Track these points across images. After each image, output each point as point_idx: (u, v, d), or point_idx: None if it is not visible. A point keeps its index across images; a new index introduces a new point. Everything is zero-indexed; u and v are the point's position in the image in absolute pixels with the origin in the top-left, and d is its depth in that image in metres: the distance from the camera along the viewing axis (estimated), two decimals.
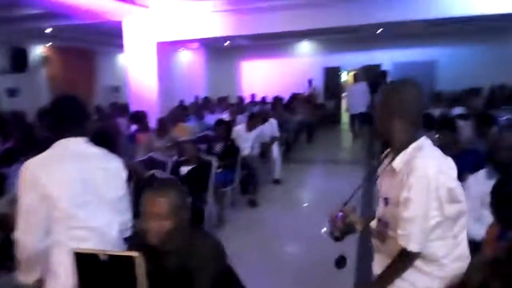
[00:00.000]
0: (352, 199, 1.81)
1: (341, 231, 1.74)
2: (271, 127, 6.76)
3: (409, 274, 1.58)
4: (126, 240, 1.91)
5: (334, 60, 13.89)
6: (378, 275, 1.68)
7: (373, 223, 1.75)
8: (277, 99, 10.02)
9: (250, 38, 12.34)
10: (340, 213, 1.75)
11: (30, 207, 1.69)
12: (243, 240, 4.11)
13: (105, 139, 2.95)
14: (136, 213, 1.77)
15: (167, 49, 8.62)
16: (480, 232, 2.06)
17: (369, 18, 7.35)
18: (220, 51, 14.83)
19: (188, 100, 12.10)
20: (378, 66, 12.22)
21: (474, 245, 1.73)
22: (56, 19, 7.79)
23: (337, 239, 1.75)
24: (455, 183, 1.54)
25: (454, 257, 1.57)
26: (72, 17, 7.49)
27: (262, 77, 14.32)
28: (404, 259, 1.56)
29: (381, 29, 11.06)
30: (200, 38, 9.76)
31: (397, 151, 1.60)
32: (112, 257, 1.34)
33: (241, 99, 10.18)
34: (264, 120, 6.65)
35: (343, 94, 13.42)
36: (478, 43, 12.30)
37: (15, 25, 8.25)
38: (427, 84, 10.17)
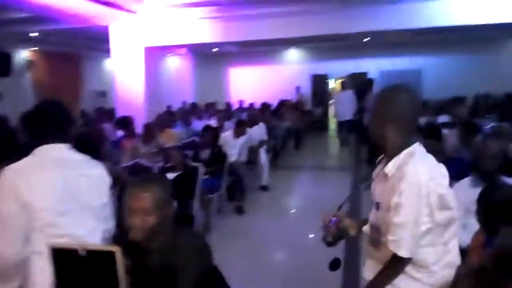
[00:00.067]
0: (345, 204, 1.80)
1: (334, 236, 1.73)
2: (259, 130, 6.77)
3: (399, 280, 1.58)
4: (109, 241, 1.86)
5: (322, 67, 14.01)
6: (369, 281, 1.66)
7: (366, 228, 1.73)
8: (265, 106, 10.04)
9: (238, 45, 12.38)
10: (334, 218, 1.74)
11: (8, 216, 1.63)
12: (229, 247, 4.07)
13: (88, 145, 2.90)
14: (119, 222, 1.74)
15: (154, 54, 8.58)
16: (465, 239, 2.07)
17: (355, 27, 7.46)
18: (208, 57, 14.83)
19: (176, 106, 12.04)
20: (364, 74, 12.35)
21: (460, 252, 1.73)
22: (43, 23, 7.70)
23: (329, 244, 1.74)
24: (446, 190, 1.54)
25: (444, 264, 1.57)
26: (58, 21, 7.40)
27: (250, 84, 14.36)
28: (395, 265, 1.56)
29: (368, 38, 11.22)
30: (188, 44, 9.75)
31: (390, 157, 1.61)
32: (91, 252, 1.28)
33: (228, 105, 10.17)
34: (253, 124, 6.65)
35: (331, 101, 13.52)
36: (463, 52, 12.55)
37: (0, 29, 8.12)
38: None
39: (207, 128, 5.62)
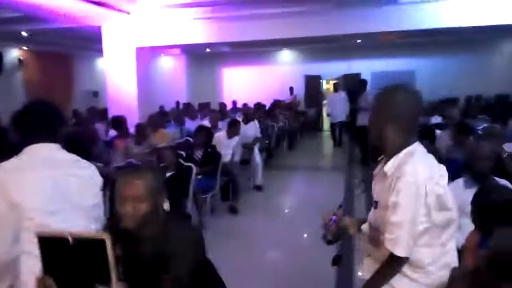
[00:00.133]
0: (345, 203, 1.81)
1: (334, 235, 1.73)
2: (254, 128, 6.77)
3: (395, 280, 1.57)
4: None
5: (315, 68, 14.06)
6: (367, 280, 1.66)
7: (364, 227, 1.73)
8: (259, 106, 10.03)
9: (231, 46, 12.37)
10: (334, 217, 1.74)
11: None
12: (223, 247, 4.03)
13: (79, 145, 2.87)
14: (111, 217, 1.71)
15: (146, 55, 8.54)
16: (460, 240, 2.08)
17: (347, 29, 7.52)
18: (201, 58, 14.81)
19: (169, 106, 11.99)
20: (357, 75, 12.40)
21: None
22: (34, 23, 7.63)
23: (329, 242, 1.75)
24: (445, 191, 1.53)
25: (441, 264, 1.56)
26: (50, 21, 7.33)
27: (244, 84, 14.36)
28: (392, 264, 1.55)
29: (359, 40, 11.30)
30: (181, 45, 9.71)
31: (390, 156, 1.60)
32: (79, 241, 1.24)
33: (222, 105, 10.14)
34: (248, 120, 6.63)
35: (324, 102, 13.56)
36: (455, 54, 12.66)
37: None
38: None
39: (201, 128, 5.59)
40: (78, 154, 1.90)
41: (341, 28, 7.52)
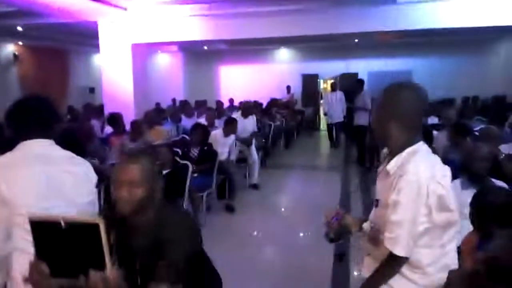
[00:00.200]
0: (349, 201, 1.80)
1: (336, 233, 1.72)
2: (253, 122, 6.75)
3: (394, 280, 1.56)
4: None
5: (312, 67, 14.05)
6: (366, 279, 1.64)
7: (366, 225, 1.71)
8: (256, 104, 10.00)
9: (228, 43, 12.33)
10: (336, 215, 1.73)
11: None
12: (219, 245, 4.01)
13: (73, 141, 2.84)
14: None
15: (143, 51, 8.50)
16: (457, 241, 2.07)
17: (344, 28, 7.51)
18: (199, 55, 14.77)
19: (166, 103, 11.94)
20: (355, 75, 12.40)
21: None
22: (30, 17, 7.55)
23: (331, 240, 1.74)
24: (446, 191, 1.50)
25: (440, 266, 1.54)
26: (46, 16, 7.27)
27: (241, 82, 14.34)
28: (391, 264, 1.53)
29: (357, 39, 11.29)
30: (178, 41, 9.65)
31: (393, 155, 1.58)
32: (72, 225, 1.21)
33: (219, 103, 10.11)
34: (247, 114, 6.62)
35: (321, 101, 13.56)
36: (451, 55, 12.70)
37: None
38: None
39: (197, 126, 5.56)
40: (72, 151, 1.87)
41: (338, 27, 7.51)
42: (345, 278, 3.55)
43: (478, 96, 11.16)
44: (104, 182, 3.32)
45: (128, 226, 1.55)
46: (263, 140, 8.05)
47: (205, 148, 5.22)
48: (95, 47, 8.56)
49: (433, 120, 6.42)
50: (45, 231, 1.22)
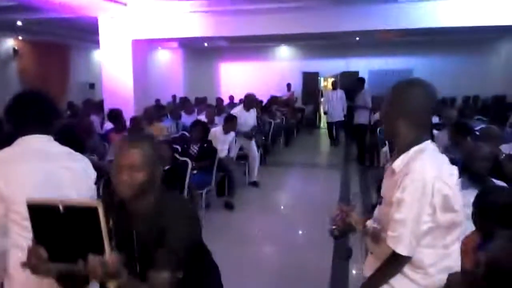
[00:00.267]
0: (355, 199, 1.80)
1: (340, 230, 1.72)
2: (254, 115, 6.71)
3: (395, 280, 1.54)
4: None
5: (313, 65, 14.02)
6: (367, 277, 1.63)
7: (370, 223, 1.69)
8: (256, 101, 9.95)
9: (229, 40, 12.30)
10: (342, 213, 1.73)
11: None
12: (218, 242, 3.99)
13: (73, 137, 2.82)
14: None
15: (143, 47, 8.47)
16: None
17: (345, 26, 7.48)
18: (199, 52, 14.74)
19: (166, 100, 11.92)
20: (355, 73, 12.37)
21: None
22: (29, 12, 7.51)
23: (336, 237, 1.74)
24: (452, 191, 1.48)
25: (442, 267, 1.52)
26: (46, 10, 7.23)
27: (241, 80, 14.30)
28: (393, 263, 1.51)
29: (357, 38, 11.26)
30: (178, 38, 9.61)
31: (400, 152, 1.56)
32: (70, 209, 1.19)
33: (219, 100, 10.09)
34: (250, 107, 6.56)
35: (321, 99, 13.53)
36: (452, 54, 12.68)
37: None
38: None
39: (197, 123, 5.55)
40: (72, 147, 1.86)
41: (339, 25, 7.49)
42: (344, 276, 3.55)
43: (479, 95, 11.15)
44: (103, 178, 3.30)
45: (127, 211, 1.52)
46: (263, 138, 8.04)
47: (205, 145, 5.21)
48: (95, 42, 8.52)
49: (433, 119, 6.41)
50: (43, 215, 1.20)
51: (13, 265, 1.62)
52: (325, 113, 10.16)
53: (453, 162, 3.26)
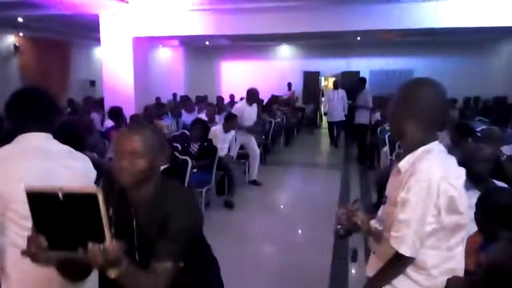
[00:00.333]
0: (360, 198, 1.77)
1: (345, 229, 1.70)
2: (256, 110, 6.67)
3: (398, 280, 1.53)
4: None
5: (314, 64, 14.01)
6: (370, 278, 1.62)
7: (373, 222, 1.68)
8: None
9: (230, 39, 12.28)
10: (347, 212, 1.71)
11: None
12: (218, 241, 3.99)
13: (72, 134, 2.80)
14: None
15: (143, 45, 8.46)
16: None
17: (346, 25, 7.48)
18: (200, 50, 14.73)
19: (166, 98, 11.91)
20: (356, 73, 12.36)
21: None
22: (30, 8, 7.50)
23: (340, 236, 1.72)
24: (458, 193, 1.46)
25: (445, 269, 1.50)
26: (47, 7, 7.22)
27: (242, 78, 14.29)
28: (396, 263, 1.50)
29: (359, 37, 11.24)
30: (179, 36, 9.60)
31: (407, 152, 1.54)
32: (69, 196, 1.16)
33: (219, 99, 10.08)
34: (253, 101, 6.49)
35: (322, 99, 13.52)
36: (453, 55, 12.66)
37: None
38: None
39: (197, 121, 5.54)
40: (71, 144, 1.84)
41: (340, 25, 7.48)
42: (344, 275, 3.55)
43: (480, 96, 11.14)
44: (103, 176, 3.29)
45: (128, 200, 1.51)
46: (263, 137, 8.03)
47: (205, 143, 5.20)
48: (96, 40, 8.51)
49: None
50: (42, 203, 1.18)
51: (10, 264, 1.61)
52: (325, 114, 10.13)
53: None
